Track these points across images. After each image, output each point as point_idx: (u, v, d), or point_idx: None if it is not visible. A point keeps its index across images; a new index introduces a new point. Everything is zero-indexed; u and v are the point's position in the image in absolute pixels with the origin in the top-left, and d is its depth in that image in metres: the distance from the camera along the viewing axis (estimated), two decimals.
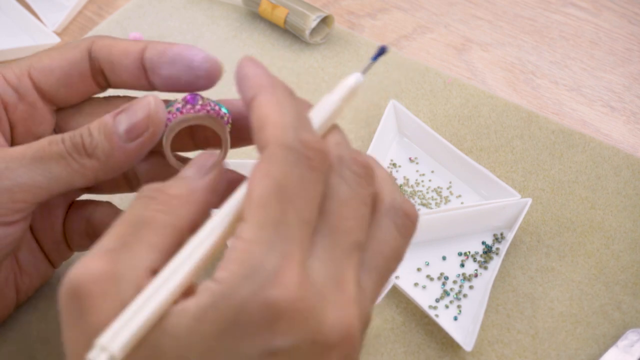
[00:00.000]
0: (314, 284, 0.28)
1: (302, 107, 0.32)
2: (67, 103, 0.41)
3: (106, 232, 0.30)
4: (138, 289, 0.28)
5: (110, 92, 0.42)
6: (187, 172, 0.33)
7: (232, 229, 0.30)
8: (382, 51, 0.37)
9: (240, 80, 0.32)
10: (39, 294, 0.48)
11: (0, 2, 0.65)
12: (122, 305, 0.27)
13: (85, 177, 0.37)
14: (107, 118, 0.37)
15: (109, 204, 0.44)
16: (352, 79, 0.34)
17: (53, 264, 0.45)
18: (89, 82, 0.41)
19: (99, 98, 0.42)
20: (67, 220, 0.43)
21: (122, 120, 0.36)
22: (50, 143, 0.37)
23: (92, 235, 0.43)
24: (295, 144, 0.29)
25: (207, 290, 0.28)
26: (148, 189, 0.31)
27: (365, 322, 0.31)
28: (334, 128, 0.33)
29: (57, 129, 0.42)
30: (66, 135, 0.37)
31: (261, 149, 0.30)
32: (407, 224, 0.32)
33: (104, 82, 0.41)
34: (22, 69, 0.40)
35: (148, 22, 0.65)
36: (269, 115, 0.30)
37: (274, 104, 0.31)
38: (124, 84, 0.41)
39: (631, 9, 0.67)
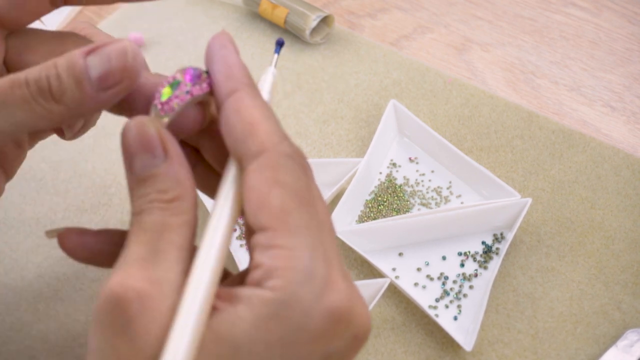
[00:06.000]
0: (347, 284, 0.29)
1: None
2: (18, 24, 0.38)
3: (129, 242, 0.30)
4: (178, 293, 0.28)
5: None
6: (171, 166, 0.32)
7: (232, 227, 0.31)
8: (281, 44, 0.37)
9: (218, 64, 0.32)
10: (38, 294, 0.48)
11: None
12: (167, 311, 0.28)
13: (52, 121, 0.33)
14: (77, 58, 0.32)
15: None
16: (270, 75, 0.35)
17: (8, 174, 0.40)
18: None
19: (52, 33, 0.39)
20: None
21: (94, 65, 0.33)
22: (12, 86, 0.32)
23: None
24: (292, 153, 0.30)
25: (259, 298, 0.28)
26: (149, 199, 0.31)
27: None
28: None
29: (8, 60, 0.38)
30: (30, 78, 0.32)
31: (253, 154, 0.30)
32: None
33: None
34: None
35: (148, 22, 0.65)
36: (260, 122, 0.31)
37: (258, 109, 0.31)
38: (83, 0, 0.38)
39: (631, 9, 0.67)
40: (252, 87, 0.32)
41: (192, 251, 0.30)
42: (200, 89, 0.33)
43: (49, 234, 0.36)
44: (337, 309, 0.28)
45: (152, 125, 0.32)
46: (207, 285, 0.28)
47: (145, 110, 0.34)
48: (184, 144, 0.37)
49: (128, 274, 0.28)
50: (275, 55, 0.37)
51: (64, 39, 0.38)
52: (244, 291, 0.28)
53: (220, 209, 0.30)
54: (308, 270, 0.28)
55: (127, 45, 0.33)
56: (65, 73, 0.32)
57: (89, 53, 0.33)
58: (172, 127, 0.34)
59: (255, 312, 0.28)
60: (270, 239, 0.29)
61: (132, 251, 0.29)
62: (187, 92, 0.33)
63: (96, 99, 0.33)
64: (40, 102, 0.32)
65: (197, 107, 0.34)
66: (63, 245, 0.35)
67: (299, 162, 0.30)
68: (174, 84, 0.33)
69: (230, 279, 0.33)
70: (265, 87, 0.35)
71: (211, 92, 0.33)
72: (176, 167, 0.31)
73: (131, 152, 0.32)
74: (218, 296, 0.29)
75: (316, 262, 0.28)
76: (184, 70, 0.33)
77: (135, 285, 0.28)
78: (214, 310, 0.28)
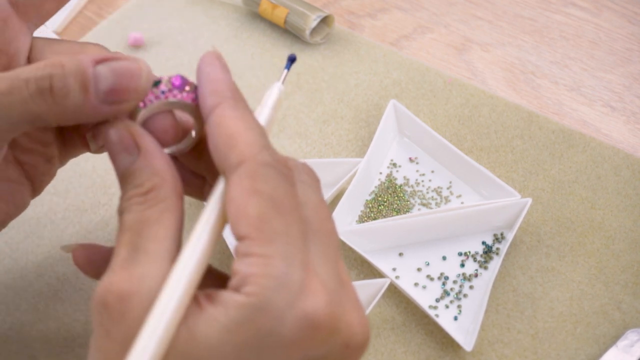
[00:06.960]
0: (331, 291, 0.29)
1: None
2: (42, 14, 0.38)
3: (115, 245, 0.30)
4: (162, 284, 0.29)
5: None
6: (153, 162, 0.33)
7: (215, 240, 0.31)
8: (292, 59, 0.37)
9: (203, 81, 0.33)
10: (38, 294, 0.48)
11: None
12: (150, 306, 0.28)
13: (46, 122, 0.33)
14: (86, 63, 0.32)
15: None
16: (276, 90, 0.35)
17: (36, 188, 0.40)
18: None
19: (75, 41, 0.39)
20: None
21: (105, 76, 0.32)
22: (11, 87, 0.32)
23: None
24: (272, 162, 0.30)
25: (234, 303, 0.28)
26: (128, 197, 0.32)
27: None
28: None
29: (32, 59, 0.37)
30: (32, 76, 0.32)
31: (234, 165, 0.30)
32: None
33: None
34: None
35: (148, 22, 0.65)
36: (240, 133, 0.31)
37: (240, 120, 0.31)
38: None
39: (631, 8, 0.67)
40: (235, 99, 0.32)
41: (181, 237, 0.31)
42: (179, 96, 0.34)
43: (65, 248, 0.36)
44: (314, 316, 0.28)
45: (123, 125, 0.33)
46: (181, 290, 0.29)
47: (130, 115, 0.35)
48: (188, 171, 0.37)
49: (110, 278, 0.29)
50: (285, 71, 0.37)
51: (87, 46, 0.38)
52: (223, 295, 0.29)
53: (204, 223, 0.31)
54: (283, 277, 0.28)
55: (143, 67, 0.33)
56: (72, 76, 0.32)
57: (99, 62, 0.33)
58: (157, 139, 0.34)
59: (230, 315, 0.28)
60: (247, 247, 0.29)
61: (116, 253, 0.30)
62: (163, 93, 0.34)
63: (97, 110, 0.33)
64: (37, 102, 0.32)
65: (172, 117, 0.34)
66: (75, 261, 0.35)
67: (281, 171, 0.30)
68: (155, 83, 0.34)
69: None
70: (268, 103, 0.35)
71: (197, 107, 0.34)
72: (149, 159, 0.32)
73: (113, 154, 0.33)
74: (207, 296, 0.29)
75: (292, 269, 0.29)
76: (173, 75, 0.34)
77: (116, 288, 0.28)
78: (198, 308, 0.29)
